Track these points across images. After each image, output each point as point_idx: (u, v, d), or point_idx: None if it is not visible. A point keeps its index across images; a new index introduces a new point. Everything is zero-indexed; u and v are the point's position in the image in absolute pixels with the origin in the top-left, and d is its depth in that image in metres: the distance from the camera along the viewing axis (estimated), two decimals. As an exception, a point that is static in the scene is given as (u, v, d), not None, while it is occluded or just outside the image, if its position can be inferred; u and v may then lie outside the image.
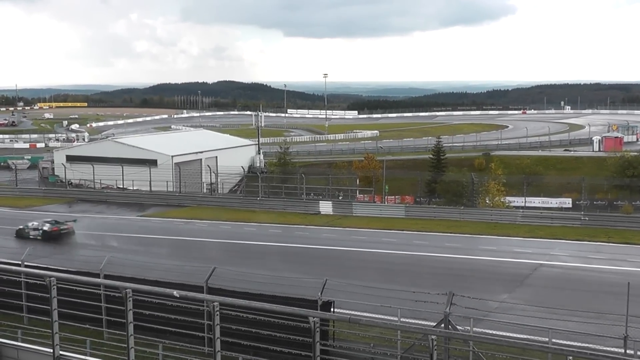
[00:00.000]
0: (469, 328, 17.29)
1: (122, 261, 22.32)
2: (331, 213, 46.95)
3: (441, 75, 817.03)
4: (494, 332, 17.38)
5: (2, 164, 75.52)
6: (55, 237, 36.95)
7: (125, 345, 10.68)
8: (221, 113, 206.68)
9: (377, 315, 17.27)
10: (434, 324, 16.64)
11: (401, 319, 17.60)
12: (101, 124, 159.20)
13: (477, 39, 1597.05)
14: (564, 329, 17.16)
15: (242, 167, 61.14)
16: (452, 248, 33.88)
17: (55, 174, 69.77)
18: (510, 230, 39.49)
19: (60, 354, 11.28)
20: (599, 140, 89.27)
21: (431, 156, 76.52)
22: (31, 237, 36.88)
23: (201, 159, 67.82)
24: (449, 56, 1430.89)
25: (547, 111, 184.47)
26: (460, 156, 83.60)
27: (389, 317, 17.35)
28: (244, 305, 12.17)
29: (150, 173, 53.84)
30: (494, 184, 53.96)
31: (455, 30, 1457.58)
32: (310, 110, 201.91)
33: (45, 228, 37.26)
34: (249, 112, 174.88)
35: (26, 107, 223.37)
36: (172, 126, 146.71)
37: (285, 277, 19.62)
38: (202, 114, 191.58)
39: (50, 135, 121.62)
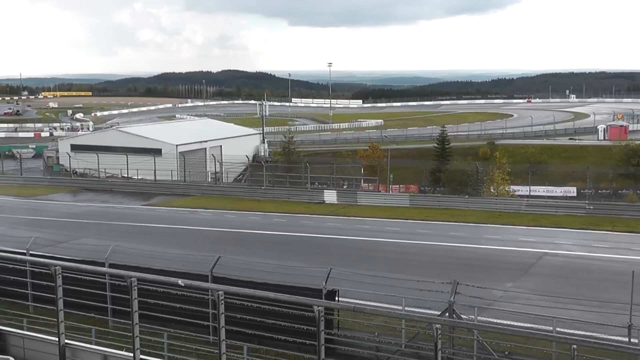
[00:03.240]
0: (473, 317, 17.29)
1: (127, 250, 22.35)
2: (335, 202, 46.95)
3: (446, 64, 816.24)
4: (498, 321, 17.38)
5: (6, 153, 75.57)
6: None
7: (131, 334, 10.71)
8: (225, 102, 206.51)
9: (381, 304, 17.24)
10: (439, 313, 16.65)
11: (405, 308, 17.61)
12: (105, 113, 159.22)
13: (482, 27, 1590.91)
14: (568, 318, 17.14)
15: (246, 156, 61.11)
16: (457, 237, 33.85)
17: (60, 163, 69.95)
18: (515, 219, 39.45)
19: (66, 343, 11.31)
20: (604, 129, 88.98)
21: (436, 145, 76.44)
22: None
23: (206, 148, 67.93)
24: (454, 45, 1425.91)
25: (552, 100, 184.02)
26: (464, 145, 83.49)
27: (393, 306, 17.36)
28: (248, 294, 12.17)
29: (154, 162, 53.89)
30: (499, 173, 53.92)
31: (461, 19, 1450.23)
32: (314, 100, 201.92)
33: None
34: (253, 102, 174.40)
35: (30, 97, 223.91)
36: (177, 115, 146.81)
37: (289, 266, 19.62)
38: (206, 103, 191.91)
39: (55, 125, 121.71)
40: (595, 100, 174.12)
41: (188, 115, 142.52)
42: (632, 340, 16.14)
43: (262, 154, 77.56)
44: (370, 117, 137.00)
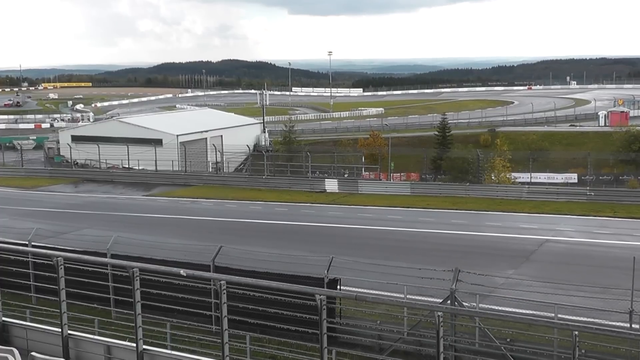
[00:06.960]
0: (475, 304, 17.35)
1: (129, 240, 22.39)
2: (337, 191, 46.96)
3: (446, 52, 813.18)
4: (500, 308, 17.44)
5: (7, 144, 75.51)
6: None
7: (133, 324, 10.74)
8: (226, 92, 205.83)
9: (383, 293, 17.30)
10: (440, 301, 16.69)
11: (407, 296, 17.66)
12: (106, 103, 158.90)
13: (483, 14, 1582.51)
14: (569, 304, 17.20)
15: (247, 145, 61.05)
16: (458, 224, 33.90)
17: (61, 154, 69.87)
18: (516, 206, 39.49)
19: (69, 333, 11.33)
20: (605, 115, 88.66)
21: (436, 133, 76.23)
22: None
23: (206, 138, 67.80)
24: (454, 32, 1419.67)
25: (552, 86, 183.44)
26: (465, 132, 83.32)
27: (395, 294, 17.40)
28: (250, 283, 12.18)
29: (155, 152, 53.86)
30: (500, 160, 53.83)
31: (462, 5, 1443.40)
32: (315, 89, 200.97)
33: None
34: (253, 91, 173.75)
35: (30, 88, 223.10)
36: (177, 105, 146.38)
37: (291, 255, 19.68)
38: (206, 93, 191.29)
39: (55, 116, 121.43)
40: (595, 86, 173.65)
41: (188, 105, 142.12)
42: (633, 326, 16.19)
43: (263, 143, 77.44)
44: (371, 105, 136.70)
